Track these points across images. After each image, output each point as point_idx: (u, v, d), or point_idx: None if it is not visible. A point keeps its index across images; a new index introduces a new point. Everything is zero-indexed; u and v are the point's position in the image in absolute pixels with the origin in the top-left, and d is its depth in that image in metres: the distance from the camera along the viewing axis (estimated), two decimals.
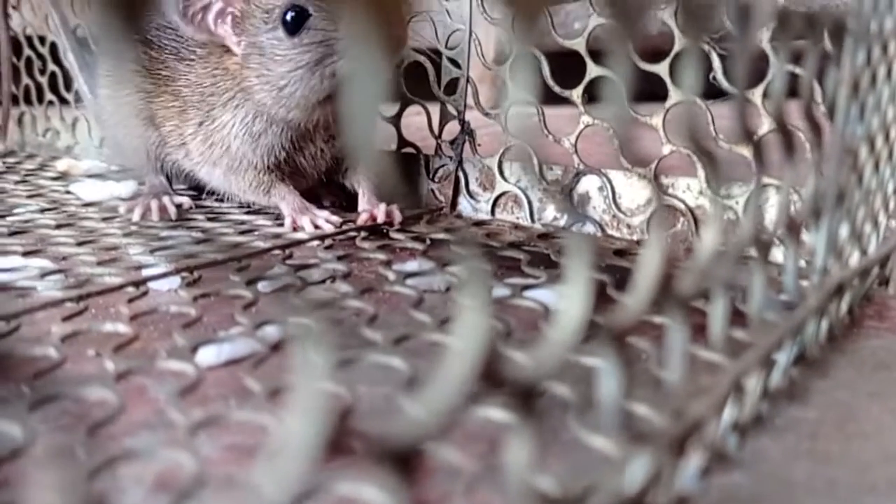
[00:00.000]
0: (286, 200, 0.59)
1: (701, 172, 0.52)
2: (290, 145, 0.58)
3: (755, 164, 0.26)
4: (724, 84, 0.50)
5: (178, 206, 0.62)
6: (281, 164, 0.59)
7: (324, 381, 0.13)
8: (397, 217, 0.60)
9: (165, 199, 0.62)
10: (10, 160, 0.91)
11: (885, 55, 0.37)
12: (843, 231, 0.35)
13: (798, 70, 0.31)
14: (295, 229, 0.58)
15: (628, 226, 0.58)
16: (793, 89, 0.30)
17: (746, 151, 0.26)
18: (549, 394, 0.32)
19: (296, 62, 0.52)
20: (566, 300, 0.16)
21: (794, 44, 0.27)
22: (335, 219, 0.58)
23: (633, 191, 0.58)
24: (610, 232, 0.59)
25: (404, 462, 0.14)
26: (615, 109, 0.17)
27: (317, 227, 0.57)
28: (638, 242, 0.57)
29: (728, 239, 0.24)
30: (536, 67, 0.60)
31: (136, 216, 0.59)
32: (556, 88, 0.59)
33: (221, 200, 0.65)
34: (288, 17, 0.52)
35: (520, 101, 0.61)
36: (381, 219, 0.59)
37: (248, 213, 0.64)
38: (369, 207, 0.60)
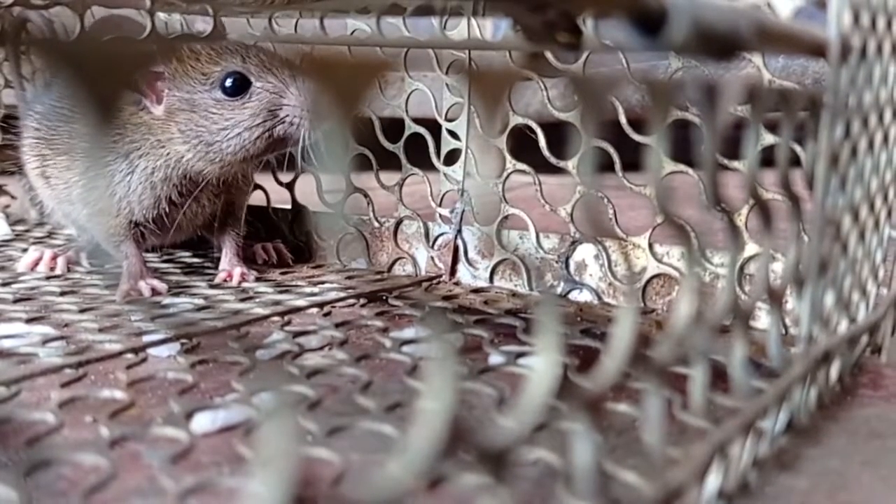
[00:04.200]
0: (128, 260, 0.60)
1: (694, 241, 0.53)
2: (176, 199, 0.60)
3: (730, 231, 0.27)
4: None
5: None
6: (155, 218, 0.61)
7: (290, 446, 0.14)
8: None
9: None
10: None
11: (867, 128, 0.38)
12: (829, 299, 0.36)
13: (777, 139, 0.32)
14: (129, 294, 0.58)
15: (625, 293, 0.59)
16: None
17: (731, 219, 0.27)
18: (540, 461, 0.33)
19: (235, 121, 0.56)
20: (536, 365, 0.17)
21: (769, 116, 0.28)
22: (162, 286, 0.59)
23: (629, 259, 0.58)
24: (606, 300, 0.59)
25: None
26: (586, 181, 0.18)
27: (155, 291, 0.58)
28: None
29: (706, 306, 0.25)
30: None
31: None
32: (552, 159, 0.61)
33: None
34: (228, 81, 0.56)
35: (518, 170, 0.62)
36: (235, 281, 0.62)
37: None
38: (228, 268, 0.63)
